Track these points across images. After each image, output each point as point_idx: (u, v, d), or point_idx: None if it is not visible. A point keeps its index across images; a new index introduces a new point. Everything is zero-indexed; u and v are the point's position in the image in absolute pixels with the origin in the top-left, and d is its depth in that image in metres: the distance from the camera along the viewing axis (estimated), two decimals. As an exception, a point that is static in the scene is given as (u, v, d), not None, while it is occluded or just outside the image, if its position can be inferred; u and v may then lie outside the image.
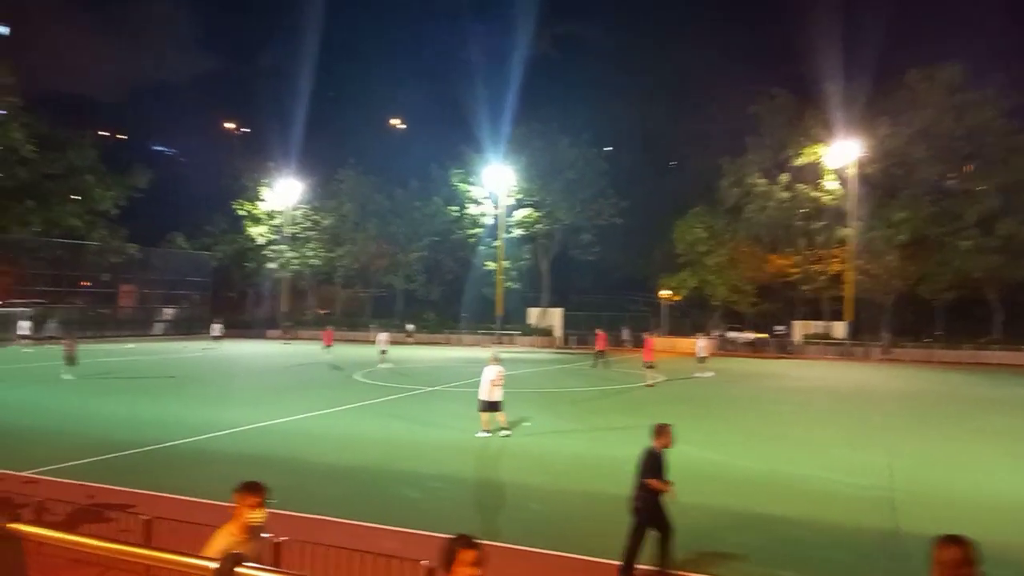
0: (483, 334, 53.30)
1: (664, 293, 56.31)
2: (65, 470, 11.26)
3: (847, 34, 51.25)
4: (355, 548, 5.84)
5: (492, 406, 15.02)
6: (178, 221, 64.28)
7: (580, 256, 58.69)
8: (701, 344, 31.62)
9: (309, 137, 65.58)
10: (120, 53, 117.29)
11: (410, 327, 52.20)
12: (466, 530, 3.67)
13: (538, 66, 74.68)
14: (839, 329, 48.04)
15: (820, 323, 50.71)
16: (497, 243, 55.40)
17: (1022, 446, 15.69)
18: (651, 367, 26.33)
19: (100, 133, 68.73)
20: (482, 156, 56.78)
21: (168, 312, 60.00)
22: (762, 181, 51.24)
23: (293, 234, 61.43)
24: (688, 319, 59.45)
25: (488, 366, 15.29)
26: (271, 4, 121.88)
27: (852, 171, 47.16)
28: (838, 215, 49.40)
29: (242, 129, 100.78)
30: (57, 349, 27.76)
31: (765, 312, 55.31)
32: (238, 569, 1.85)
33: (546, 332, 54.17)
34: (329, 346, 36.14)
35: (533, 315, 56.50)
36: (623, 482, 7.88)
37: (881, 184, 49.17)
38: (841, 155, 47.63)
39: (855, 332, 46.94)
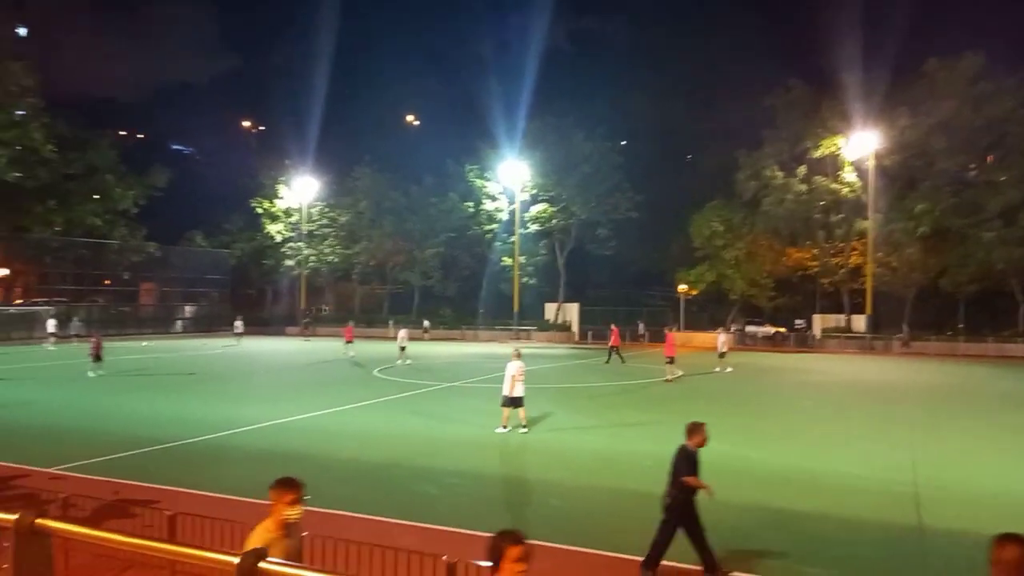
0: (500, 330, 53.32)
1: (682, 287, 55.99)
2: (90, 466, 11.40)
3: (865, 24, 50.93)
4: (376, 544, 5.85)
5: (514, 401, 15.02)
6: (196, 219, 64.84)
7: (596, 251, 58.41)
8: (721, 339, 31.44)
9: (325, 135, 65.95)
10: (138, 54, 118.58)
11: (426, 323, 52.32)
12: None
13: (552, 60, 74.22)
14: (859, 323, 47.59)
15: (840, 317, 50.25)
16: (513, 239, 55.39)
17: (1049, 440, 15.43)
18: (671, 362, 26.34)
19: (119, 133, 69.47)
20: (497, 151, 56.69)
21: (188, 310, 60.64)
22: (779, 174, 50.76)
23: (310, 231, 61.78)
24: (706, 313, 59.11)
25: (511, 362, 15.29)
26: (286, 3, 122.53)
27: (871, 163, 46.61)
28: (857, 207, 48.89)
29: (259, 128, 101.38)
30: (82, 347, 28.10)
31: (784, 306, 54.82)
32: (261, 564, 1.83)
33: (564, 327, 54.09)
34: (350, 342, 36.29)
35: (550, 310, 56.47)
36: (644, 478, 7.83)
37: (900, 176, 48.60)
38: (859, 147, 47.05)
39: (876, 326, 46.43)
